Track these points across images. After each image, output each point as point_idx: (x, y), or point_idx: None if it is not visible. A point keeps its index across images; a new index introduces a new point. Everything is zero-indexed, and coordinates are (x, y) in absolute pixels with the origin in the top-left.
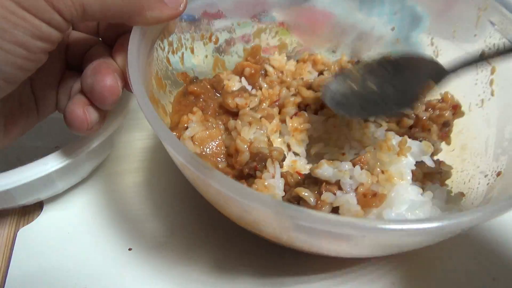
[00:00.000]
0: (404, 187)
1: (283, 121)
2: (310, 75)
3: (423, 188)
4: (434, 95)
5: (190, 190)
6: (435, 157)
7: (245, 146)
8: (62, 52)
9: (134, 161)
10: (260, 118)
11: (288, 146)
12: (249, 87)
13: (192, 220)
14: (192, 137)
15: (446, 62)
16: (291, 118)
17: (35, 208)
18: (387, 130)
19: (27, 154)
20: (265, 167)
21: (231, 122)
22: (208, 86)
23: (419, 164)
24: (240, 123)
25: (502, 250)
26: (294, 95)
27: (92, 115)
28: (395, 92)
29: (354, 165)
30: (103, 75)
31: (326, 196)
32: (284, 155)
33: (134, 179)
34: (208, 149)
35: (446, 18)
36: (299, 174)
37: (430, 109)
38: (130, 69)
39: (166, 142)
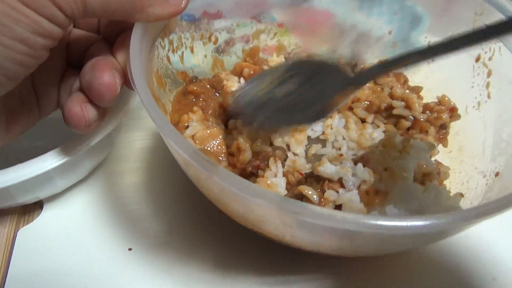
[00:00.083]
0: (406, 185)
1: None
2: None
3: (423, 188)
4: (431, 98)
5: (190, 190)
6: (433, 159)
7: (247, 145)
8: (63, 50)
9: (134, 160)
10: None
11: (288, 146)
12: None
13: (192, 220)
14: (193, 136)
15: (442, 64)
16: None
17: (35, 208)
18: (385, 131)
19: (27, 154)
20: (267, 165)
21: (232, 122)
22: (208, 86)
23: (419, 164)
24: (241, 122)
25: (502, 250)
26: None
27: (90, 112)
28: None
29: (356, 163)
30: (101, 72)
31: (329, 194)
32: (286, 154)
33: (134, 178)
34: (209, 148)
35: (445, 19)
36: (300, 173)
37: (427, 111)
38: (132, 63)
39: (169, 138)
